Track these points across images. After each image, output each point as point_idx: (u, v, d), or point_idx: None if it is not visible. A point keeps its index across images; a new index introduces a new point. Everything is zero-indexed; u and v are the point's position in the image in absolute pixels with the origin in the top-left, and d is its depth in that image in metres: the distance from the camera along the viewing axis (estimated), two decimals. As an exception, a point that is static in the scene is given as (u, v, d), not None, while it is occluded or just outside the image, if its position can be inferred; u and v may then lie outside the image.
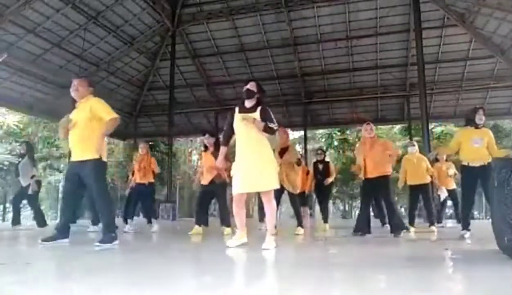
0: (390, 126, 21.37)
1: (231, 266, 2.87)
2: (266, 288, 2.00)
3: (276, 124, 3.71)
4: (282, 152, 5.69)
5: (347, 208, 25.91)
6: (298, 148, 27.14)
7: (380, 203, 6.77)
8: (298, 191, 6.04)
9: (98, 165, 3.87)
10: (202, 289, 1.92)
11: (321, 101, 16.35)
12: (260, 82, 4.11)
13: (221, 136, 4.02)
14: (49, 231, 4.96)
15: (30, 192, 7.40)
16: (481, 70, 14.23)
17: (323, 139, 24.42)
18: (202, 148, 6.66)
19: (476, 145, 4.84)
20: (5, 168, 18.77)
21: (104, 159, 3.94)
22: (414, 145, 7.09)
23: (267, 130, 3.65)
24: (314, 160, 8.16)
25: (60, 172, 20.30)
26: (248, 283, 2.17)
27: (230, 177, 4.21)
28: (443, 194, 8.48)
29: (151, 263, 2.83)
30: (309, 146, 17.09)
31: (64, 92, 14.62)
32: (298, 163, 5.85)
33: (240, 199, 3.76)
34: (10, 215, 7.93)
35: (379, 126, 21.60)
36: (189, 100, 17.18)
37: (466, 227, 4.91)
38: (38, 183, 7.71)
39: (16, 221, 7.51)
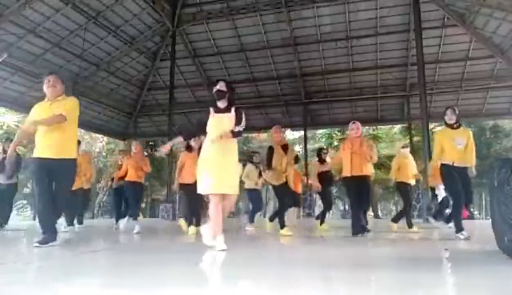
0: (390, 126, 21.39)
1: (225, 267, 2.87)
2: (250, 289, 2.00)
3: (242, 126, 3.73)
4: (285, 149, 5.74)
5: (347, 208, 25.93)
6: (298, 148, 27.22)
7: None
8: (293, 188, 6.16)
9: (75, 165, 4.07)
10: (196, 291, 1.92)
11: (321, 101, 16.36)
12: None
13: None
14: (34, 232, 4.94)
15: (3, 183, 7.10)
16: (481, 70, 14.23)
17: (323, 139, 24.42)
18: (184, 148, 6.62)
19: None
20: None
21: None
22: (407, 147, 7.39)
23: (235, 135, 3.69)
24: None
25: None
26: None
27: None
28: (440, 193, 8.44)
29: (148, 264, 2.83)
30: (309, 146, 17.08)
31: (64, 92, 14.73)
32: (296, 161, 5.92)
33: (219, 201, 3.62)
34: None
35: (379, 126, 21.70)
36: (189, 100, 17.18)
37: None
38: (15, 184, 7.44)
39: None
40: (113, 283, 2.07)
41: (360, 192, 5.46)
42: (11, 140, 8.14)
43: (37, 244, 3.69)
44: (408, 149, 7.33)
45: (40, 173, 3.89)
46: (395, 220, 6.87)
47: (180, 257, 3.33)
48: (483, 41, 13.04)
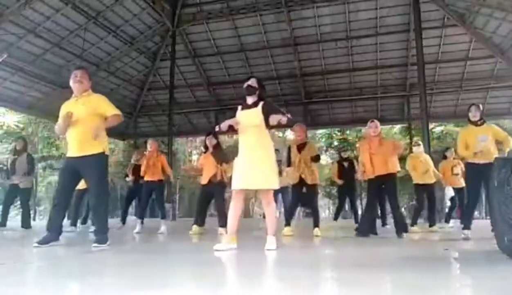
0: (390, 126, 21.37)
1: (226, 269, 2.86)
2: (263, 291, 2.00)
3: (287, 114, 3.62)
4: (300, 148, 5.67)
5: (347, 208, 25.83)
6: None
7: (384, 202, 6.75)
8: (317, 189, 6.06)
9: (103, 159, 3.86)
10: (199, 292, 1.92)
11: (321, 101, 16.34)
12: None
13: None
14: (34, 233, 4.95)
15: (21, 186, 7.25)
16: (481, 70, 14.22)
17: (323, 139, 24.39)
18: (203, 149, 6.73)
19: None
20: (5, 168, 18.75)
21: (107, 153, 3.96)
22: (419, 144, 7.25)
23: (282, 121, 3.52)
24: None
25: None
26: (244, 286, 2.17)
27: (228, 178, 4.14)
28: (449, 193, 8.41)
29: (149, 264, 2.83)
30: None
31: (64, 92, 14.72)
32: (316, 159, 5.75)
33: (238, 196, 3.65)
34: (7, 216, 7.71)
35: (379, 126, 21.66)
36: (189, 100, 17.19)
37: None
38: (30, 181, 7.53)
39: (3, 222, 7.24)
40: (113, 283, 2.07)
41: (380, 192, 5.36)
42: (23, 138, 8.26)
43: (36, 244, 3.70)
44: (420, 147, 7.12)
45: (61, 172, 3.99)
46: (432, 224, 6.81)
47: (180, 257, 3.33)
48: (483, 41, 13.04)
